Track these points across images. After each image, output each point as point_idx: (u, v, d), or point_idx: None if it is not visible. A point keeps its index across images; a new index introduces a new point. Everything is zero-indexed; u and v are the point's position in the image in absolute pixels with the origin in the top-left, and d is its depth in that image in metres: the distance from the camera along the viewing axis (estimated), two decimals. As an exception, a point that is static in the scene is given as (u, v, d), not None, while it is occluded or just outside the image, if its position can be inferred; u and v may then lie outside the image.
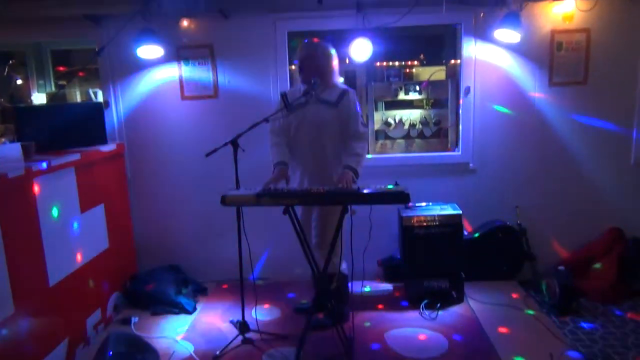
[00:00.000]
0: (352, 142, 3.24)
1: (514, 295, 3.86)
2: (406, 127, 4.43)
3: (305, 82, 3.29)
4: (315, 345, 3.21)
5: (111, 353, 2.69)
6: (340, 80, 3.41)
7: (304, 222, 3.40)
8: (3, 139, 3.73)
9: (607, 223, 4.08)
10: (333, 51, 3.32)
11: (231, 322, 3.55)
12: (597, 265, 3.77)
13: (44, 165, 2.98)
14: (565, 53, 3.96)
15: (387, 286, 4.15)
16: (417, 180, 4.05)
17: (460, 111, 4.15)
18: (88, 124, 3.78)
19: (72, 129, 3.66)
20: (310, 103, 3.27)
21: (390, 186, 2.96)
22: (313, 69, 3.25)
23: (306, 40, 3.39)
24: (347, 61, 4.33)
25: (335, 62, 3.33)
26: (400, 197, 2.87)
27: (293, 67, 4.31)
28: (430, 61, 4.71)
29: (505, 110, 4.06)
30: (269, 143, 3.36)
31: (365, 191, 2.89)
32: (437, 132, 4.44)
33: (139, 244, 4.31)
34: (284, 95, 3.37)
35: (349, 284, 3.57)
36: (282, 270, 4.28)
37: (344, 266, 3.48)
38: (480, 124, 4.11)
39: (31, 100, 4.65)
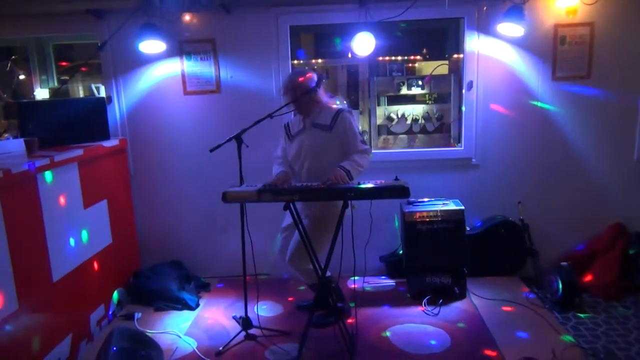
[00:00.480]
0: (353, 155, 3.15)
1: (517, 291, 3.85)
2: (409, 122, 4.42)
3: (297, 112, 3.29)
4: (317, 341, 3.22)
5: (115, 349, 2.69)
6: (333, 100, 3.36)
7: (289, 235, 3.40)
8: (6, 135, 3.75)
9: (609, 219, 4.07)
10: (309, 78, 3.20)
11: (234, 318, 3.56)
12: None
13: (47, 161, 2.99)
14: (569, 47, 3.93)
15: (389, 282, 4.15)
16: (420, 175, 4.04)
17: (463, 106, 4.14)
18: (91, 119, 3.78)
19: (74, 125, 3.65)
20: (307, 129, 3.26)
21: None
22: (296, 100, 3.18)
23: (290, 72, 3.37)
24: (350, 56, 4.31)
25: (319, 87, 3.21)
26: (401, 192, 2.87)
27: (295, 61, 4.30)
28: (433, 56, 4.69)
29: (505, 110, 4.06)
30: (274, 162, 3.38)
31: (365, 186, 2.89)
32: (440, 127, 4.43)
33: (142, 239, 4.32)
34: (286, 126, 3.38)
35: (353, 280, 3.56)
36: (284, 267, 4.27)
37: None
38: (483, 119, 4.09)
39: (34, 96, 4.65)
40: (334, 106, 3.28)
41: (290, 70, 4.09)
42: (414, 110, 4.41)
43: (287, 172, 3.24)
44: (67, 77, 4.81)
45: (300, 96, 3.15)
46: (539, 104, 4.02)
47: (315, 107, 3.23)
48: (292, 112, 3.38)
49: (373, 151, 4.23)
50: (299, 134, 3.29)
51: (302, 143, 3.26)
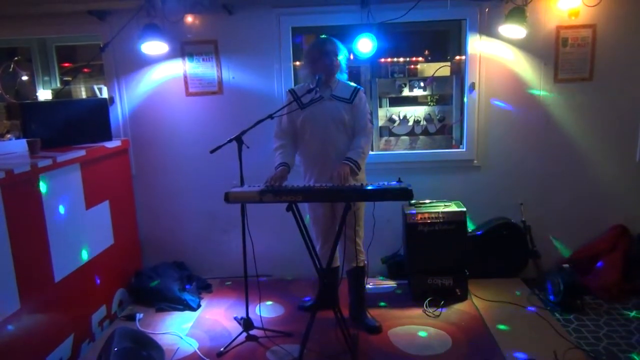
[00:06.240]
0: (357, 136, 3.23)
1: (518, 293, 3.85)
2: (410, 123, 4.42)
3: (314, 78, 3.24)
4: (319, 342, 3.22)
5: (116, 349, 2.70)
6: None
7: (328, 219, 3.38)
8: (9, 135, 3.75)
9: (611, 220, 4.06)
10: (343, 49, 3.31)
11: (235, 318, 3.56)
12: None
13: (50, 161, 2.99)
14: (571, 49, 3.93)
15: (390, 283, 4.15)
16: (422, 177, 4.04)
17: (465, 108, 4.13)
18: (93, 120, 3.79)
19: (77, 125, 3.66)
20: (326, 99, 3.23)
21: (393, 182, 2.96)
22: (324, 65, 3.20)
23: (320, 37, 3.37)
24: (352, 57, 4.31)
25: (344, 60, 3.31)
26: (403, 194, 2.86)
27: (297, 62, 4.30)
28: (434, 57, 4.69)
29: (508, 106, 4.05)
30: (273, 146, 3.32)
31: (368, 188, 2.89)
32: (442, 129, 4.43)
33: (144, 240, 4.32)
34: (293, 92, 3.32)
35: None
36: (286, 267, 4.29)
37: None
38: (485, 120, 4.09)
39: (36, 97, 4.66)
40: (351, 83, 3.35)
41: (292, 71, 4.10)
42: (416, 112, 4.41)
43: (285, 166, 3.19)
44: (69, 78, 4.82)
45: (333, 59, 3.21)
46: (541, 105, 4.02)
47: (334, 77, 3.26)
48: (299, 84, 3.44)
49: (375, 153, 4.25)
50: (314, 103, 3.23)
51: (321, 113, 3.22)
